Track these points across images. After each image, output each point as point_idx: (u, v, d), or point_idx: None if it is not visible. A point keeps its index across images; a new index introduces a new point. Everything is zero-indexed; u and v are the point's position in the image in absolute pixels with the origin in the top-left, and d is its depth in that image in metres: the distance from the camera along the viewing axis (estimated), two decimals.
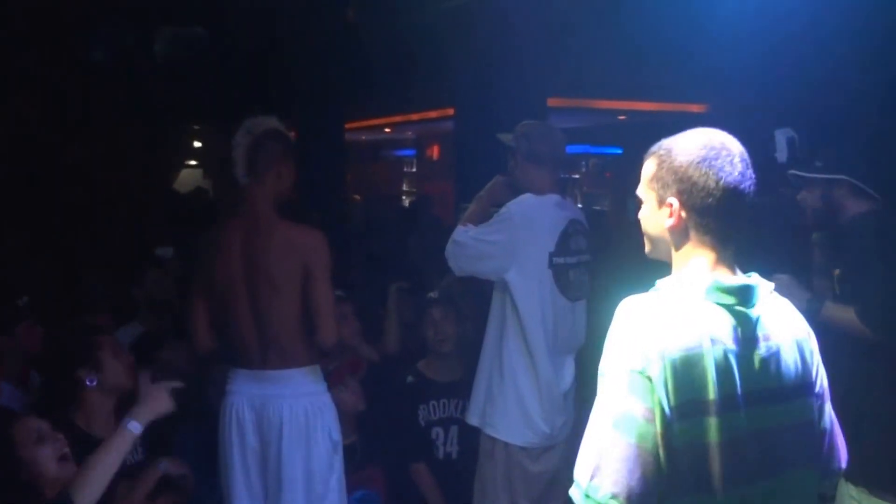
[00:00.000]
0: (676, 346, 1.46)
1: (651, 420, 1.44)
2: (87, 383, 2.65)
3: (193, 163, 13.04)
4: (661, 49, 5.82)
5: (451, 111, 7.85)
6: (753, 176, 1.57)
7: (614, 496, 1.42)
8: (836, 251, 2.70)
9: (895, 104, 4.17)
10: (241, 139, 2.79)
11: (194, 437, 3.09)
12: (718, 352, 1.48)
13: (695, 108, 8.09)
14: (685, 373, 1.45)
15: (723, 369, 1.48)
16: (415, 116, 10.67)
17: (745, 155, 1.57)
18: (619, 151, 10.46)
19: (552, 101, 6.43)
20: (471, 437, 3.12)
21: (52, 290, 3.96)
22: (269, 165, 2.76)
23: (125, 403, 2.61)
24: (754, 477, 1.51)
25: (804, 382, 1.59)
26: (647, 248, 1.68)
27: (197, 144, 12.94)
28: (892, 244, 2.45)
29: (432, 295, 3.53)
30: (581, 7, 5.48)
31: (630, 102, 8.43)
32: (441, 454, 3.37)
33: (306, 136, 8.69)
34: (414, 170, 13.87)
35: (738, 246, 1.60)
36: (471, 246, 2.87)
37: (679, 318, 1.49)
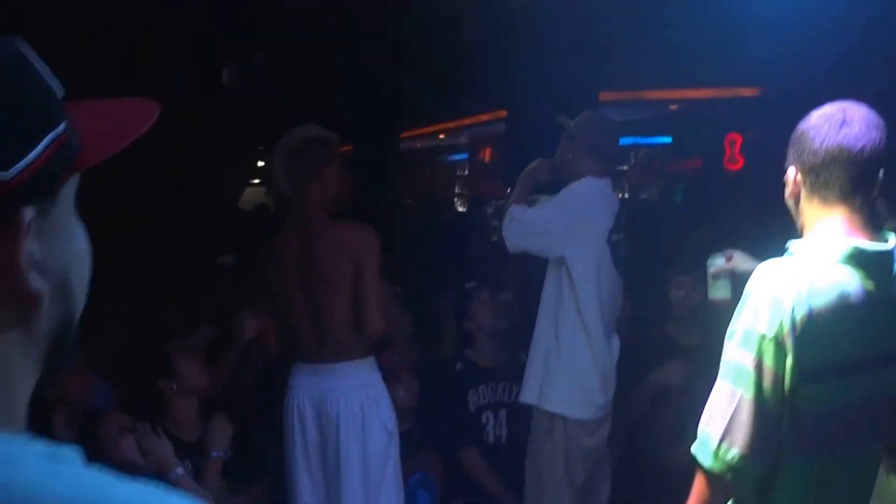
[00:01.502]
0: (810, 310, 1.47)
1: (779, 383, 1.47)
2: (168, 391, 2.79)
3: (257, 181, 13.46)
4: (710, 33, 5.84)
5: (502, 113, 7.97)
6: (876, 139, 1.54)
7: (744, 458, 1.47)
8: None
9: None
10: (278, 155, 2.92)
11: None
12: (851, 316, 1.50)
13: (746, 91, 8.05)
14: (820, 336, 1.47)
15: (859, 333, 1.51)
16: (467, 121, 10.81)
17: (869, 120, 1.55)
18: (669, 140, 10.45)
19: (604, 95, 6.49)
20: (520, 420, 3.29)
21: (134, 296, 4.19)
22: (311, 173, 2.87)
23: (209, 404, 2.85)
24: (866, 441, 1.55)
25: None
26: (795, 218, 1.68)
27: (261, 163, 13.34)
28: None
29: (470, 284, 3.67)
30: (622, 4, 5.54)
31: (681, 91, 8.42)
32: (492, 438, 3.50)
33: (362, 147, 8.92)
34: (466, 173, 14.02)
35: (862, 205, 1.58)
36: (530, 223, 2.97)
37: (813, 283, 1.49)
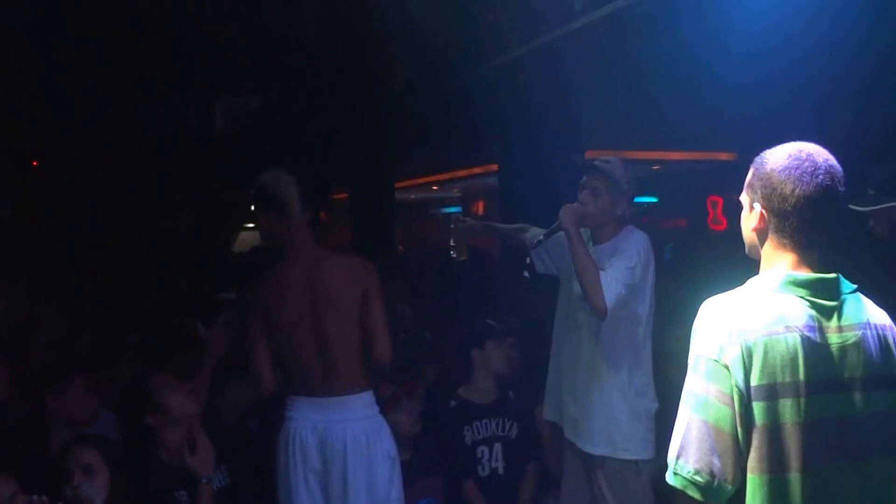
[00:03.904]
0: (752, 333, 1.57)
1: (729, 404, 1.57)
2: (159, 424, 2.82)
3: (251, 225, 13.58)
4: (690, 100, 6.09)
5: (494, 167, 8.18)
6: (839, 189, 1.64)
7: (697, 472, 1.57)
8: None
9: None
10: (290, 182, 3.03)
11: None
12: (793, 338, 1.58)
13: (723, 156, 8.33)
14: (761, 358, 1.56)
15: (798, 355, 1.57)
16: (460, 173, 11.03)
17: (834, 168, 1.65)
18: (655, 200, 10.70)
19: (590, 153, 6.72)
20: (513, 453, 3.54)
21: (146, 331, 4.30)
22: (308, 206, 3.04)
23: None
24: (834, 461, 1.57)
25: (889, 374, 1.64)
26: (747, 249, 1.77)
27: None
28: None
29: (494, 324, 3.81)
30: (615, 64, 5.78)
31: (664, 153, 8.68)
32: (487, 471, 3.63)
33: (358, 196, 9.12)
34: None
35: (822, 251, 1.67)
36: (628, 292, 2.94)
37: (754, 308, 1.60)
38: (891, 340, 1.67)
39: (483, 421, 3.64)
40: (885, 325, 1.68)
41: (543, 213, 3.37)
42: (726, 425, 1.57)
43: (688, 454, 1.59)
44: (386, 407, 3.15)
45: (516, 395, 3.70)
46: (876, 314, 1.68)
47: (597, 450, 3.00)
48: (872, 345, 1.63)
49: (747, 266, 1.80)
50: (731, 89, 5.48)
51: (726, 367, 1.58)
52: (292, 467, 2.95)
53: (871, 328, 1.64)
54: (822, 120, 4.97)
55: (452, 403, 3.69)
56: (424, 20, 5.19)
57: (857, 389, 1.61)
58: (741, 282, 1.75)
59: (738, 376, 1.57)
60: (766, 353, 1.57)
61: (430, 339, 4.66)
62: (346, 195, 11.14)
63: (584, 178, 3.06)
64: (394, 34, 5.58)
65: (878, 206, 2.64)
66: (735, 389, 1.57)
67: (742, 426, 1.57)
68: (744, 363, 1.57)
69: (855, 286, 1.68)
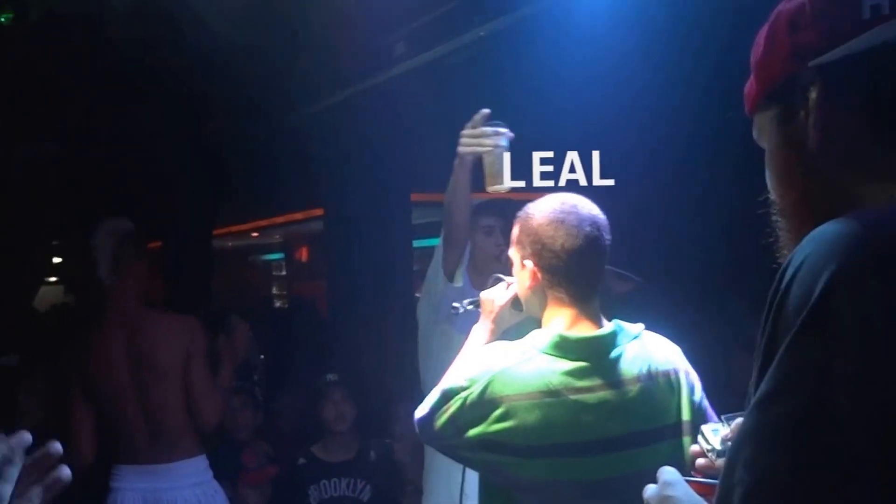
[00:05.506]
0: (502, 392, 1.57)
1: (474, 450, 1.65)
2: None
3: (53, 279, 12.54)
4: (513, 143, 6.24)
5: (318, 212, 8.04)
6: (606, 238, 1.66)
7: None
8: None
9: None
10: (103, 240, 2.88)
11: None
12: (560, 402, 1.56)
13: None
14: (518, 417, 1.56)
15: (568, 418, 1.56)
16: (280, 219, 10.79)
17: (598, 217, 1.67)
18: None
19: (415, 196, 6.75)
20: None
21: None
22: (132, 263, 2.89)
23: None
24: None
25: (666, 425, 1.62)
26: (524, 308, 1.77)
27: (57, 260, 12.48)
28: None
29: (331, 377, 3.70)
30: (439, 107, 5.86)
31: (486, 195, 8.88)
32: None
33: (171, 245, 8.65)
34: (284, 273, 13.86)
35: (593, 297, 1.67)
36: None
37: (516, 367, 1.59)
38: (674, 383, 1.65)
39: (332, 480, 3.51)
40: (668, 370, 1.66)
41: (370, 254, 3.31)
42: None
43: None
44: (245, 479, 3.13)
45: (378, 455, 3.58)
46: (660, 358, 1.66)
47: None
48: (646, 397, 1.61)
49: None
50: (553, 131, 5.66)
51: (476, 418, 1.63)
52: None
53: (650, 378, 1.62)
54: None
55: (301, 461, 3.57)
56: (242, 63, 5.02)
57: (618, 449, 1.59)
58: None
59: (488, 430, 1.63)
60: (518, 414, 1.57)
61: (261, 398, 4.42)
62: (158, 244, 10.59)
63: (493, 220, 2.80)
64: (209, 75, 5.35)
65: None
66: (479, 439, 1.64)
67: (511, 480, 1.65)
68: (492, 418, 1.61)
69: (639, 331, 1.67)
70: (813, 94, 0.84)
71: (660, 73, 4.24)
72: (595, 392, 1.60)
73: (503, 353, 1.63)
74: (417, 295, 6.08)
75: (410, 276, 6.27)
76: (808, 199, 0.86)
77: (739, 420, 1.01)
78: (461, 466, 2.83)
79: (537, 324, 1.74)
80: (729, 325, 3.47)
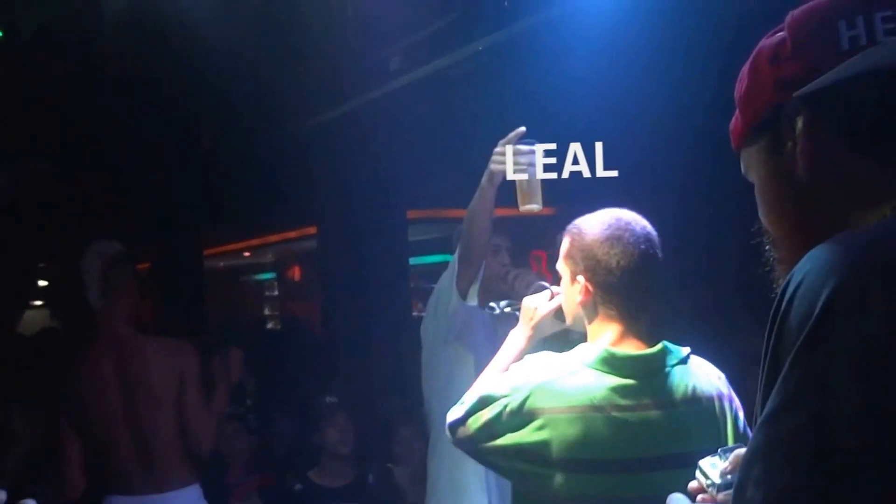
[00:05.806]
0: (542, 404, 1.57)
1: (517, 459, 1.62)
2: None
3: (39, 303, 12.37)
4: None
5: (311, 230, 7.96)
6: (659, 255, 1.65)
7: None
8: None
9: None
10: (92, 263, 2.82)
11: None
12: (604, 418, 1.55)
13: (546, 211, 8.60)
14: (560, 430, 1.55)
15: (612, 434, 1.55)
16: (273, 238, 10.71)
17: (652, 234, 1.66)
18: None
19: (412, 213, 6.69)
20: None
21: None
22: (122, 285, 2.81)
23: None
24: None
25: (706, 450, 1.61)
26: (568, 320, 1.76)
27: (43, 283, 12.32)
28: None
29: (331, 399, 3.63)
30: (433, 123, 5.81)
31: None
32: None
33: (161, 265, 8.55)
34: (276, 293, 13.75)
35: (650, 319, 1.66)
36: None
37: (559, 382, 1.59)
38: (718, 408, 1.63)
39: None
40: (713, 395, 1.64)
41: (365, 272, 3.25)
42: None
43: None
44: (234, 497, 3.01)
45: (377, 479, 3.49)
46: (705, 382, 1.64)
47: None
48: (689, 420, 1.60)
49: None
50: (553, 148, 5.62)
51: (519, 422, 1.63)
52: None
53: (694, 401, 1.61)
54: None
55: (298, 487, 3.49)
56: (236, 80, 4.96)
57: (655, 469, 1.57)
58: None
59: (528, 439, 1.63)
60: (560, 427, 1.56)
61: (254, 423, 4.33)
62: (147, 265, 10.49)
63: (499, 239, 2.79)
64: (203, 92, 5.28)
65: None
66: (518, 448, 1.64)
67: (551, 491, 1.61)
68: (533, 429, 1.61)
69: (686, 353, 1.65)
70: (799, 124, 0.87)
71: (662, 82, 4.20)
72: (638, 411, 1.59)
73: (548, 364, 1.63)
74: (415, 314, 6.02)
75: (408, 294, 6.19)
76: (801, 227, 0.89)
77: (739, 452, 1.04)
78: (466, 493, 2.78)
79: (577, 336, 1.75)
80: (740, 339, 3.41)
